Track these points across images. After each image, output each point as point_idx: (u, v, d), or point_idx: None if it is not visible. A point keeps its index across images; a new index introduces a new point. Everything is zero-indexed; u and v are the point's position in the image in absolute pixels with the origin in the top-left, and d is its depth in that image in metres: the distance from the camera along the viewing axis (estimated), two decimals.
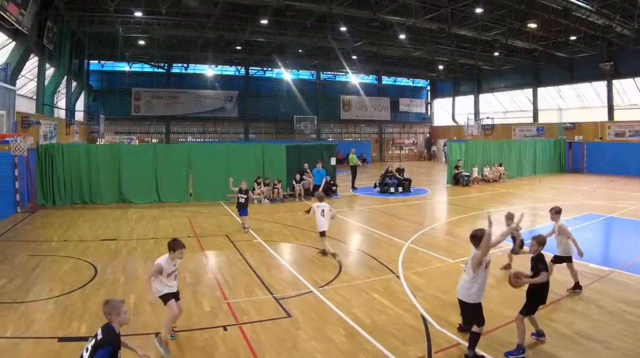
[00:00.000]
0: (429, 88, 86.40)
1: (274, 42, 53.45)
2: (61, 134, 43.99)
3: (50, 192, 30.46)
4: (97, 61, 63.91)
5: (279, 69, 70.14)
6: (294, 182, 34.14)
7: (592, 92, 57.84)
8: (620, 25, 40.87)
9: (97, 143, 54.93)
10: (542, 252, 11.25)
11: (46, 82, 41.28)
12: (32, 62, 38.15)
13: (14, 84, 26.02)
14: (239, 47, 57.44)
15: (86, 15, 40.39)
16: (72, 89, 51.99)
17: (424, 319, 12.08)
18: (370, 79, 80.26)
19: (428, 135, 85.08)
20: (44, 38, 37.08)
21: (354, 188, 39.16)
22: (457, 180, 41.59)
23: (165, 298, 10.82)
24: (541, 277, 10.65)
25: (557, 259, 14.53)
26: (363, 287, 14.69)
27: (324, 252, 18.62)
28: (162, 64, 66.65)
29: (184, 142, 64.04)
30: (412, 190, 37.76)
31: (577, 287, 14.20)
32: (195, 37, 51.27)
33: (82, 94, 59.01)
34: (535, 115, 65.66)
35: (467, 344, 10.36)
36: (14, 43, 32.55)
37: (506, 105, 71.35)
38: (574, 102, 61.00)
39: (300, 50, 60.00)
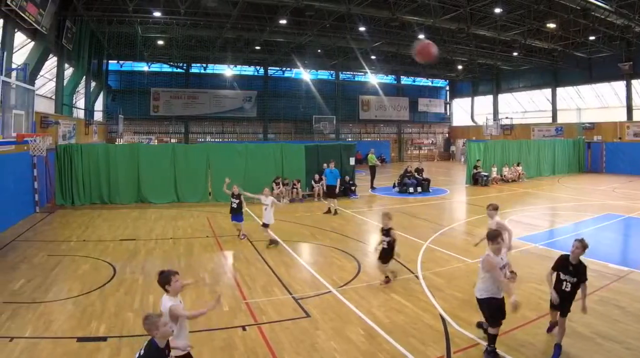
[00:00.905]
0: (447, 88, 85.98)
1: (293, 42, 53.43)
2: (80, 134, 44.06)
3: (69, 192, 30.54)
4: (116, 61, 64.28)
5: (298, 69, 70.21)
6: (312, 182, 34.16)
7: (611, 92, 57.36)
8: (639, 25, 40.62)
9: (116, 143, 54.93)
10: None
11: (65, 82, 41.41)
12: (51, 62, 38.25)
13: (32, 84, 26.00)
14: (257, 47, 57.51)
15: (105, 15, 40.58)
16: (91, 89, 52.23)
17: (443, 319, 12.04)
18: (389, 78, 79.97)
19: (447, 135, 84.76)
20: (62, 38, 37.19)
21: (372, 188, 39.08)
22: (476, 180, 41.49)
23: None
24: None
25: None
26: (382, 287, 14.65)
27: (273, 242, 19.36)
28: (181, 64, 66.92)
29: (203, 142, 64.05)
30: (431, 190, 37.62)
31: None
32: (214, 37, 51.39)
33: (101, 94, 59.27)
34: (554, 115, 65.21)
35: (486, 344, 10.37)
36: (32, 43, 32.62)
37: (525, 105, 70.87)
38: (593, 102, 60.53)
39: (319, 50, 59.91)
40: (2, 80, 15.94)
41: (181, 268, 16.76)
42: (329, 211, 28.23)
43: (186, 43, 54.05)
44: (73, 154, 30.68)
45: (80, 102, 48.54)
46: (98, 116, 57.18)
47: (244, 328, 11.73)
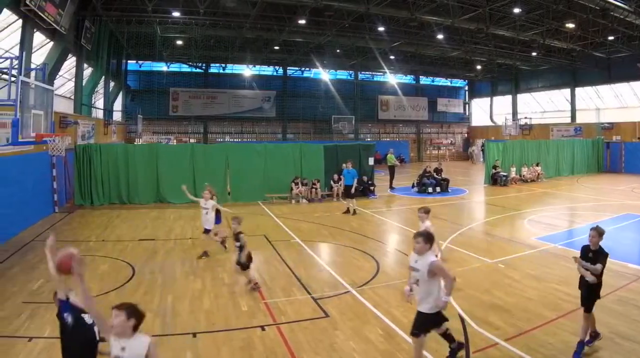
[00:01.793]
0: (466, 88, 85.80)
1: (312, 42, 53.48)
2: (99, 134, 44.29)
3: (88, 192, 30.64)
4: (134, 61, 64.72)
5: (317, 69, 70.36)
6: (332, 182, 34.10)
7: (630, 92, 57.08)
8: None
9: (135, 143, 55.24)
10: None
11: (84, 82, 41.75)
12: (70, 62, 38.55)
13: (51, 84, 26.15)
14: (276, 47, 57.56)
15: (124, 16, 40.76)
16: (110, 89, 52.51)
17: (462, 319, 11.99)
18: (408, 78, 79.83)
19: (466, 135, 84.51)
20: (81, 38, 37.45)
21: (391, 188, 39.01)
22: (494, 180, 41.26)
23: None
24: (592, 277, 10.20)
25: None
26: (401, 287, 14.00)
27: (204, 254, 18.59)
28: (199, 64, 67.28)
29: (222, 142, 63.69)
30: (450, 190, 37.52)
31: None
32: (233, 37, 51.56)
33: (120, 94, 59.72)
34: (573, 115, 64.94)
35: (506, 345, 10.49)
36: (52, 43, 32.82)
37: (544, 105, 70.64)
38: (612, 102, 60.22)
39: (338, 50, 59.81)
40: (21, 80, 16.01)
41: (200, 268, 16.97)
42: (347, 211, 28.16)
43: (205, 43, 54.28)
44: (92, 154, 30.78)
45: (99, 102, 48.98)
46: (117, 116, 57.43)
47: (263, 328, 11.71)
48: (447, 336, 10.11)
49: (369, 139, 74.00)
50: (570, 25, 43.54)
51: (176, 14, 40.87)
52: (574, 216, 27.91)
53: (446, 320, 9.69)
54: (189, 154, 32.70)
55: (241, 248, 14.31)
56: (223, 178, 32.77)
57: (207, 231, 18.89)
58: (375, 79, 77.78)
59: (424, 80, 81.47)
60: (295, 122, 72.88)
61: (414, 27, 46.92)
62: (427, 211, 14.80)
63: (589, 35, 46.47)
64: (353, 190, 28.88)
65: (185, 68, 67.99)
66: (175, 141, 63.40)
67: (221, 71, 69.57)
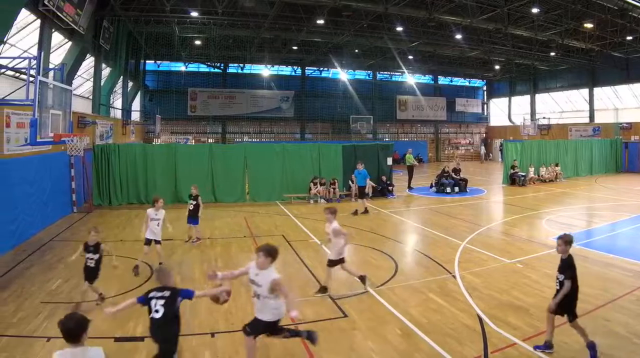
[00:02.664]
0: (485, 88, 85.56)
1: (330, 42, 53.50)
2: (117, 134, 44.59)
3: (106, 192, 30.82)
4: (153, 61, 65.04)
5: (335, 69, 70.36)
6: (350, 182, 33.84)
7: None
8: None
9: (153, 143, 55.55)
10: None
11: (102, 82, 42.08)
12: (89, 62, 38.80)
13: (70, 84, 26.30)
14: (295, 47, 57.86)
15: (142, 15, 40.98)
16: (129, 89, 52.91)
17: (480, 319, 11.99)
18: (426, 78, 79.76)
19: (484, 135, 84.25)
20: (100, 38, 37.78)
21: (410, 188, 39.03)
22: (513, 180, 41.15)
23: None
24: (565, 286, 10.28)
25: (332, 263, 14.32)
26: (419, 287, 14.66)
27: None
28: (218, 64, 67.36)
29: (240, 142, 63.82)
30: (468, 190, 37.49)
31: (323, 290, 14.22)
32: (252, 37, 51.77)
33: (138, 93, 60.19)
34: (592, 115, 64.64)
35: (524, 345, 10.53)
36: (70, 43, 33.12)
37: (562, 105, 70.31)
38: (631, 102, 59.82)
39: (356, 50, 59.85)
40: (40, 80, 16.08)
41: (218, 267, 16.87)
42: (355, 212, 28.08)
43: (223, 43, 54.42)
44: (110, 154, 30.96)
45: (117, 102, 49.34)
46: (135, 116, 57.90)
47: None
48: (290, 336, 10.28)
49: (387, 139, 74.04)
50: (589, 25, 43.51)
51: (194, 14, 41.01)
52: (592, 216, 27.76)
53: (285, 331, 9.99)
54: (207, 154, 32.74)
55: (99, 260, 13.59)
56: (241, 178, 32.92)
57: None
58: (393, 79, 77.79)
59: (442, 80, 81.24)
60: (314, 122, 73.01)
61: (432, 27, 46.94)
62: (333, 211, 14.50)
63: (608, 35, 46.27)
64: (368, 190, 29.00)
65: (203, 68, 68.19)
66: (193, 141, 63.65)
67: (239, 71, 69.66)
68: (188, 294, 9.05)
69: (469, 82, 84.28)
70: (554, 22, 43.04)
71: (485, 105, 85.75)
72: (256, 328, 9.59)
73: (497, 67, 68.97)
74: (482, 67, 69.62)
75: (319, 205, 31.13)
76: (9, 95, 19.88)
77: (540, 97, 73.93)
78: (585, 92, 65.58)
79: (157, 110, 60.03)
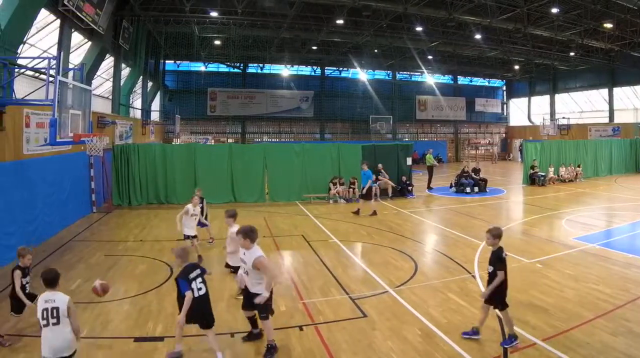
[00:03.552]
0: (504, 88, 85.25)
1: (350, 42, 53.66)
2: (137, 134, 44.74)
3: (125, 192, 30.86)
4: (172, 61, 65.36)
5: (355, 69, 70.35)
6: (349, 183, 33.83)
7: None
8: None
9: (173, 143, 55.65)
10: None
11: (122, 82, 42.21)
12: (108, 62, 38.94)
13: (89, 84, 26.29)
14: (314, 47, 57.73)
15: (162, 15, 41.22)
16: (148, 89, 53.14)
17: (500, 319, 11.80)
18: (446, 78, 79.46)
19: (504, 135, 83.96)
20: (119, 38, 37.92)
21: (429, 188, 39.01)
22: (533, 180, 41.04)
23: None
24: (499, 277, 10.68)
25: (231, 266, 14.31)
26: (439, 287, 14.65)
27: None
28: (237, 64, 67.55)
29: (260, 142, 64.09)
30: (488, 190, 37.34)
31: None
32: (271, 37, 51.86)
33: (158, 93, 60.36)
34: (611, 115, 64.31)
35: (543, 344, 10.52)
36: (89, 43, 33.26)
37: (582, 105, 69.99)
38: None
39: (375, 50, 59.56)
40: (59, 80, 16.14)
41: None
42: (357, 212, 28.12)
43: (243, 43, 54.48)
44: (130, 154, 31.02)
45: (137, 102, 49.44)
46: (155, 116, 58.26)
47: (301, 328, 11.78)
48: (253, 321, 11.20)
49: (406, 139, 73.73)
50: (608, 25, 43.31)
51: (214, 14, 41.14)
52: (612, 216, 27.59)
53: (269, 311, 10.67)
54: (226, 154, 32.74)
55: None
56: (261, 178, 32.90)
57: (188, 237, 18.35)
58: (413, 79, 77.63)
59: (462, 80, 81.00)
60: (333, 122, 73.00)
61: (451, 27, 46.84)
62: (231, 215, 14.49)
63: (627, 35, 45.99)
64: (364, 190, 28.71)
65: (223, 68, 68.38)
66: (213, 141, 63.27)
67: (259, 71, 69.91)
68: (206, 271, 10.82)
69: (489, 82, 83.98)
70: (573, 22, 42.81)
71: (505, 105, 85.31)
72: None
73: (516, 67, 68.50)
74: (502, 67, 69.31)
75: (339, 205, 31.31)
76: (28, 95, 20.00)
77: (559, 97, 73.55)
78: (604, 92, 65.22)
79: (177, 110, 60.15)
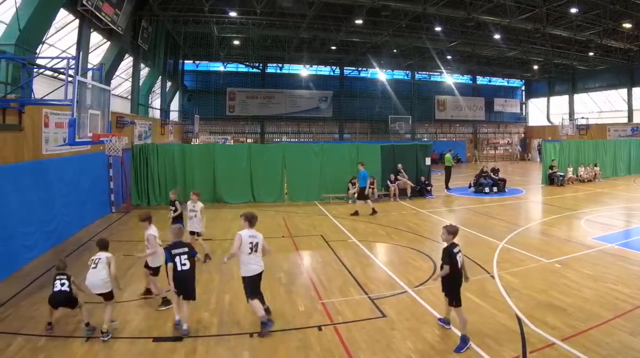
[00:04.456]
0: (523, 88, 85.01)
1: (369, 42, 53.57)
2: (156, 134, 44.87)
3: (144, 192, 30.95)
4: (191, 61, 65.77)
5: (374, 69, 70.45)
6: (388, 182, 33.96)
7: None
8: None
9: (192, 143, 55.82)
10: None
11: (141, 82, 42.52)
12: (127, 62, 39.28)
13: (108, 84, 26.46)
14: (333, 47, 57.77)
15: (181, 15, 41.41)
16: (167, 89, 53.54)
17: (519, 319, 11.98)
18: (464, 78, 79.53)
19: (523, 135, 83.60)
20: (138, 38, 38.20)
21: (447, 188, 39.05)
22: (551, 180, 40.89)
23: None
24: (444, 269, 11.15)
25: (150, 268, 14.01)
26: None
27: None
28: (256, 64, 67.86)
29: (279, 142, 64.13)
30: (506, 190, 37.28)
31: (148, 292, 14.16)
32: (290, 37, 51.93)
33: (177, 93, 60.75)
34: (630, 115, 63.98)
35: (562, 344, 10.53)
36: (108, 43, 33.50)
37: (601, 105, 69.71)
38: None
39: (394, 50, 59.48)
40: (78, 80, 16.20)
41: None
42: (356, 213, 28.16)
43: (262, 43, 54.66)
44: (149, 153, 31.12)
45: (156, 102, 49.85)
46: (174, 116, 58.61)
47: (319, 328, 11.83)
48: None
49: (425, 139, 73.88)
50: (628, 25, 43.03)
51: (233, 14, 41.32)
52: (631, 216, 27.50)
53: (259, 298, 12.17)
54: (246, 154, 32.76)
55: None
56: (280, 178, 32.97)
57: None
58: (432, 79, 77.55)
59: (481, 80, 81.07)
60: (352, 122, 73.00)
61: (470, 27, 46.63)
62: (144, 219, 14.27)
63: None
64: (366, 191, 28.87)
65: (242, 68, 68.70)
66: (232, 141, 63.82)
67: (278, 71, 70.22)
68: (195, 253, 12.12)
69: (508, 82, 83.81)
70: (592, 22, 42.67)
71: (524, 105, 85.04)
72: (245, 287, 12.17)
73: (535, 67, 68.29)
74: (521, 67, 69.03)
75: (356, 206, 31.02)
76: (47, 95, 20.05)
77: (578, 97, 73.26)
78: (623, 92, 64.93)
79: (196, 110, 59.92)
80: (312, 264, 17.81)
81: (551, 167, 41.53)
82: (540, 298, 13.48)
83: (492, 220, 26.08)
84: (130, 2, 32.61)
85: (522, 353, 10.32)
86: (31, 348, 10.68)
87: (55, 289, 11.79)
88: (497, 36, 47.22)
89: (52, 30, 24.86)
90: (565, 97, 75.19)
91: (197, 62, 66.41)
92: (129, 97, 41.36)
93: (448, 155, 40.77)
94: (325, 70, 72.15)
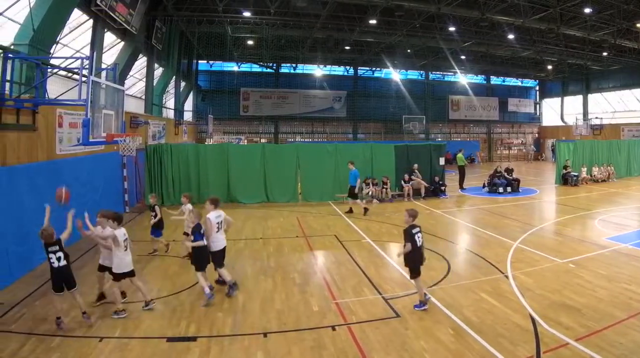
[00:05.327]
0: (537, 88, 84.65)
1: (383, 42, 53.73)
2: (170, 134, 45.11)
3: (158, 192, 30.55)
4: (205, 61, 65.91)
5: (388, 69, 70.41)
6: (402, 182, 33.97)
7: None
8: None
9: (206, 143, 55.93)
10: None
11: (155, 82, 42.66)
12: (141, 62, 39.37)
13: (122, 84, 26.45)
14: (347, 47, 57.75)
15: (194, 15, 41.53)
16: (181, 89, 53.65)
17: (533, 319, 11.95)
18: (478, 78, 79.28)
19: (537, 135, 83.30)
20: (152, 38, 38.36)
21: (461, 188, 39.01)
22: (565, 180, 40.83)
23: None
24: (406, 247, 12.97)
25: (102, 268, 13.70)
26: (471, 287, 14.66)
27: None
28: (270, 64, 67.90)
29: (293, 142, 64.18)
30: (520, 190, 37.18)
31: (101, 297, 13.73)
32: (304, 37, 52.00)
33: (191, 94, 60.84)
34: None
35: (576, 344, 10.52)
36: (122, 43, 33.59)
37: (614, 105, 69.24)
38: None
39: (408, 50, 59.41)
40: (92, 80, 16.26)
41: (270, 267, 17.18)
42: (350, 211, 28.41)
43: (276, 43, 54.71)
44: (163, 154, 31.14)
45: (169, 102, 49.91)
46: (188, 116, 58.77)
47: (333, 328, 11.82)
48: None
49: (439, 139, 73.70)
50: None
51: (247, 14, 41.46)
52: None
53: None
54: (259, 154, 32.79)
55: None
56: (294, 178, 32.98)
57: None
58: (445, 79, 77.46)
59: (495, 80, 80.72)
60: (366, 122, 73.02)
61: (484, 27, 46.73)
62: (104, 215, 13.62)
63: None
64: (356, 190, 28.88)
65: (256, 68, 68.78)
66: (246, 141, 63.78)
67: (292, 71, 70.22)
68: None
69: (522, 82, 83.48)
70: (606, 22, 42.51)
71: (538, 105, 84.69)
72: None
73: (549, 67, 67.99)
74: (535, 67, 68.82)
75: (371, 206, 30.94)
76: (61, 95, 20.21)
77: (592, 97, 72.85)
78: (637, 92, 64.38)
79: (210, 110, 60.38)
80: (326, 264, 17.79)
81: (565, 167, 41.41)
82: (554, 298, 13.46)
83: (505, 220, 26.02)
84: (144, 2, 32.84)
85: (536, 353, 10.29)
86: (45, 348, 10.69)
87: (54, 266, 11.71)
88: (510, 36, 47.16)
89: (66, 30, 25.00)
90: (579, 97, 74.76)
91: (210, 62, 66.47)
92: (143, 97, 41.52)
93: (460, 155, 40.61)
94: (339, 70, 72.11)
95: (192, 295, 14.14)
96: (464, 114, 77.92)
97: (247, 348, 10.77)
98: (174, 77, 48.64)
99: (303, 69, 69.95)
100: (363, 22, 44.09)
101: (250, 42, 55.25)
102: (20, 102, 17.35)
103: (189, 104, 60.44)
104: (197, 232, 13.89)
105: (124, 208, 28.15)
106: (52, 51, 21.81)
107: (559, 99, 79.74)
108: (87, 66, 17.11)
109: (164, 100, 45.41)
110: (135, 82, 41.12)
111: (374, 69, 72.04)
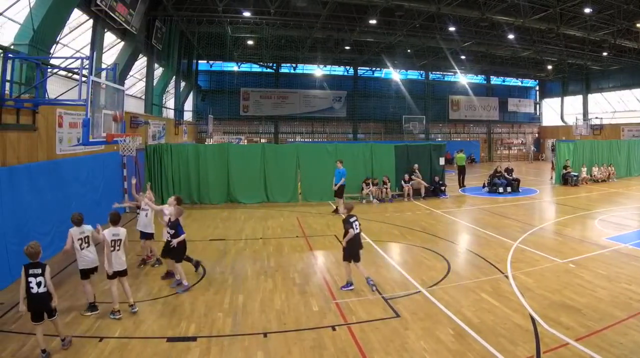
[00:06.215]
0: (537, 88, 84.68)
1: (383, 42, 53.72)
2: (170, 134, 45.03)
3: (158, 192, 30.66)
4: (205, 61, 65.88)
5: (388, 69, 70.42)
6: (402, 182, 33.97)
7: None
8: None
9: (206, 143, 55.86)
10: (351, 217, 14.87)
11: (155, 82, 42.59)
12: (141, 62, 39.32)
13: (122, 84, 26.40)
14: (347, 47, 57.76)
15: (194, 15, 41.52)
16: (181, 89, 53.58)
17: (533, 319, 11.96)
18: (478, 78, 79.26)
19: (537, 135, 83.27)
20: (152, 38, 38.33)
21: (462, 187, 39.18)
22: (565, 180, 40.86)
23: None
24: (349, 233, 14.61)
25: (83, 273, 13.33)
26: (472, 287, 14.66)
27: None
28: (270, 64, 67.86)
29: (293, 142, 64.20)
30: (520, 190, 37.21)
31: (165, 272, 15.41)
32: (304, 37, 52.05)
33: (191, 93, 60.75)
34: None
35: (576, 344, 10.53)
36: (122, 43, 33.54)
37: (615, 105, 69.22)
38: None
39: (408, 50, 59.56)
40: (92, 80, 16.25)
41: (270, 267, 17.17)
42: (336, 211, 28.37)
43: (276, 43, 54.68)
44: (162, 153, 31.21)
45: (169, 102, 49.84)
46: (188, 116, 58.71)
47: (333, 328, 11.83)
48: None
49: (439, 139, 73.81)
50: None
51: (247, 14, 41.41)
52: None
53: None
54: (259, 154, 32.78)
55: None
56: (294, 178, 32.98)
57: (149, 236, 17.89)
58: (446, 79, 77.47)
59: (495, 80, 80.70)
60: (366, 122, 73.02)
61: (484, 27, 46.78)
62: (76, 220, 13.64)
63: None
64: (337, 187, 29.00)
65: (255, 68, 68.76)
66: (246, 141, 63.70)
67: (292, 71, 70.19)
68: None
69: (522, 82, 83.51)
70: (606, 22, 42.49)
71: (538, 105, 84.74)
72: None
73: (549, 67, 68.10)
74: (535, 67, 68.91)
75: (371, 205, 31.27)
76: (61, 95, 20.17)
77: (592, 97, 72.84)
78: (637, 92, 64.41)
79: (210, 110, 60.63)
80: (326, 264, 17.79)
81: (565, 167, 41.42)
82: (554, 298, 13.48)
83: (506, 220, 26.04)
84: (144, 2, 32.82)
85: (536, 353, 10.30)
86: (51, 351, 10.61)
87: (33, 291, 10.30)
88: (510, 36, 47.18)
89: (66, 30, 24.98)
90: (579, 97, 74.75)
91: (210, 62, 66.49)
92: (143, 97, 41.51)
93: (460, 155, 40.73)
94: (339, 70, 72.09)
95: (192, 295, 14.15)
96: (464, 114, 77.93)
97: (247, 348, 10.76)
98: (174, 77, 48.61)
99: (303, 69, 69.94)
100: (363, 22, 44.14)
101: (250, 42, 55.24)
102: (21, 102, 17.31)
103: (189, 104, 60.42)
104: (178, 225, 15.12)
105: (124, 208, 28.04)
106: (52, 51, 21.80)
107: (559, 99, 79.69)
108: (87, 66, 17.10)
109: (164, 100, 45.37)
110: (135, 82, 41.13)
111: (374, 69, 72.00)
